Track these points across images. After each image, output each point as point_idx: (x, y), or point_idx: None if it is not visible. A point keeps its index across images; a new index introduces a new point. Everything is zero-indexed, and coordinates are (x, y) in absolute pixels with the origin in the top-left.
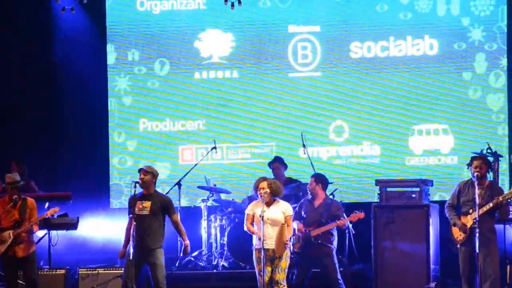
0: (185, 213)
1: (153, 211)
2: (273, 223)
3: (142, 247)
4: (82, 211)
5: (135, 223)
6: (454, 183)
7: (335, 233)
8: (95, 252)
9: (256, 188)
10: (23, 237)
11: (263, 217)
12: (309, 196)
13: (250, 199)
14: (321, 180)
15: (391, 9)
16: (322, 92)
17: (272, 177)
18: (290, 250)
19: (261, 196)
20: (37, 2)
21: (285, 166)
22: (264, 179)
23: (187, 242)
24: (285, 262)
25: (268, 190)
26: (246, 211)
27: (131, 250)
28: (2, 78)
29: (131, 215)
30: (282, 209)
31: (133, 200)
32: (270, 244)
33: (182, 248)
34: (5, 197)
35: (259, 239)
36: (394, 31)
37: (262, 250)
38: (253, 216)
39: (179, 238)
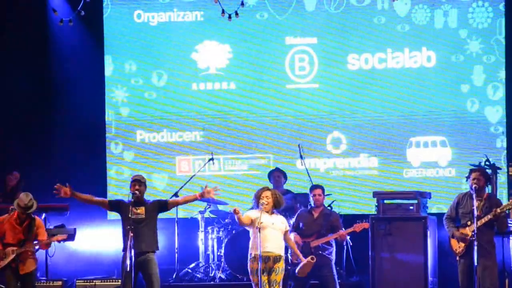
0: (182, 224)
1: (148, 216)
2: (274, 228)
3: (139, 253)
4: (79, 222)
5: (132, 233)
6: (452, 196)
7: (333, 244)
8: (92, 263)
9: (259, 196)
10: (26, 255)
11: (259, 228)
12: (308, 207)
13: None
14: (324, 191)
15: (388, 21)
16: (319, 104)
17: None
18: (289, 261)
19: (261, 205)
20: (35, 13)
21: (285, 178)
22: (267, 188)
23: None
24: (280, 276)
25: (271, 200)
26: (247, 212)
27: (127, 261)
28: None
29: (125, 221)
30: (282, 220)
31: (125, 205)
32: (271, 247)
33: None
34: (14, 213)
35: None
36: (391, 43)
37: (259, 259)
38: (251, 220)
39: (176, 250)
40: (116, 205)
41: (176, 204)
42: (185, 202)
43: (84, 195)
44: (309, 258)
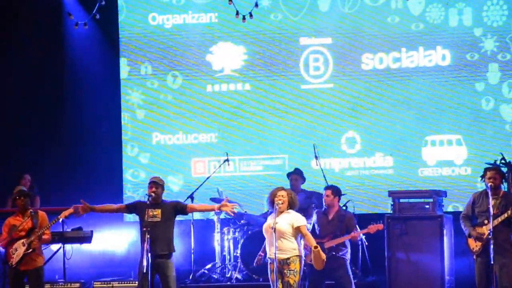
0: (198, 225)
1: (165, 218)
2: (279, 234)
3: (155, 255)
4: (96, 225)
5: (148, 235)
6: (468, 194)
7: (348, 244)
8: (109, 265)
9: (274, 196)
10: (35, 245)
11: (275, 228)
12: (323, 208)
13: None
14: (337, 192)
15: (402, 20)
16: (334, 104)
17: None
18: (302, 262)
19: (276, 205)
20: (50, 17)
21: (303, 180)
22: (282, 188)
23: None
24: (292, 278)
25: (286, 199)
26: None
27: (144, 263)
28: (16, 92)
29: (142, 223)
30: (290, 220)
31: (142, 206)
32: (277, 252)
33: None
34: (16, 212)
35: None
36: (406, 42)
37: (274, 261)
38: (266, 230)
39: (192, 251)
40: (134, 207)
41: (194, 210)
42: (203, 210)
43: (101, 206)
44: (313, 248)
